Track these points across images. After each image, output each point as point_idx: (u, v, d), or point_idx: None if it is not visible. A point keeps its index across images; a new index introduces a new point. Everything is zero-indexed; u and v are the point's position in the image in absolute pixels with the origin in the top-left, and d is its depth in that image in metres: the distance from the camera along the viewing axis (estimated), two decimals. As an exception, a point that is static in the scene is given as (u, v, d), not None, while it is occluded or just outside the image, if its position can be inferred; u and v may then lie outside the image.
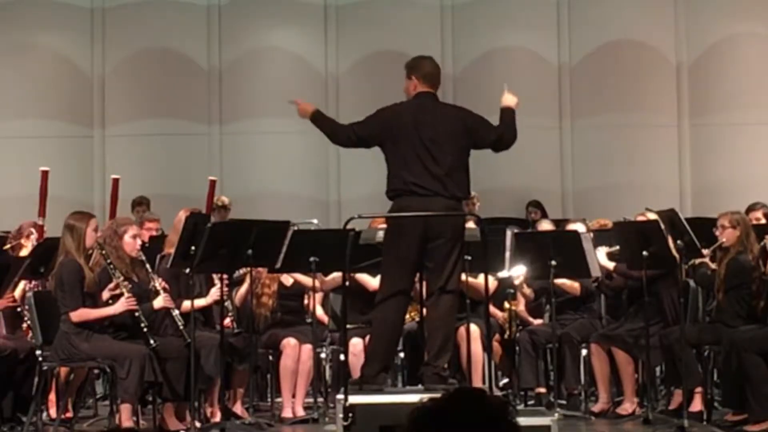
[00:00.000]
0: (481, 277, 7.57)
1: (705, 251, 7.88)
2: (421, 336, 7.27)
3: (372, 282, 8.50)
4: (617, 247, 8.23)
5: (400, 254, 6.61)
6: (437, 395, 2.63)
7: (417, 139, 6.60)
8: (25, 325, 7.95)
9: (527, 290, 8.81)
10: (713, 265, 7.93)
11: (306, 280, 8.37)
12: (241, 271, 8.33)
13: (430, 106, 6.74)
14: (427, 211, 6.50)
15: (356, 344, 8.32)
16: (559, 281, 8.32)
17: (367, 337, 8.25)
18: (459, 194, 6.65)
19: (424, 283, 6.91)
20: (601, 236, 8.64)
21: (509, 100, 6.89)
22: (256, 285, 8.28)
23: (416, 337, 7.75)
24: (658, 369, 8.62)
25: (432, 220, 6.54)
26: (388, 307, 6.65)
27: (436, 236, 6.58)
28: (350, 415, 6.13)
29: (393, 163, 6.67)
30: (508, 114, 6.85)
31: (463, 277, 7.91)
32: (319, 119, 6.87)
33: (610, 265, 8.39)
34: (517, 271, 8.41)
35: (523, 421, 5.53)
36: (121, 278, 7.44)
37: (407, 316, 8.53)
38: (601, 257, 8.31)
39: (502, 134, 6.80)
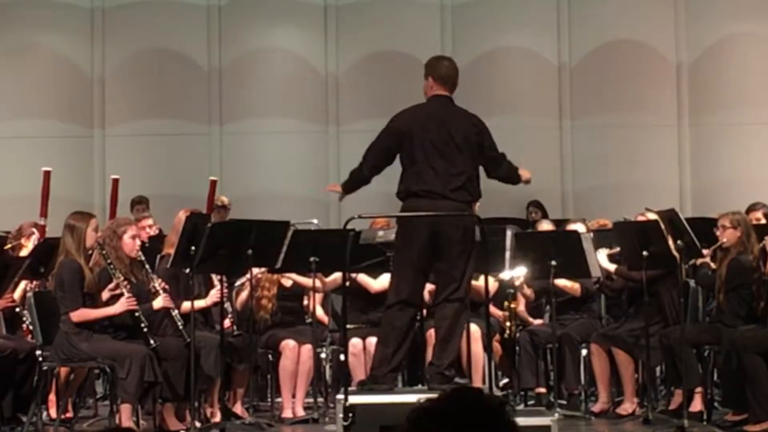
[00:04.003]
0: (482, 277, 7.57)
1: (705, 251, 7.88)
2: (420, 336, 7.27)
3: (372, 283, 8.50)
4: (618, 249, 8.23)
5: (409, 257, 6.61)
6: (436, 395, 2.63)
7: (428, 143, 6.60)
8: (25, 325, 7.95)
9: (527, 290, 8.81)
10: (714, 265, 7.93)
11: (305, 281, 8.36)
12: (241, 280, 8.35)
13: (442, 110, 6.73)
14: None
15: (356, 344, 8.32)
16: (559, 281, 8.31)
17: (368, 338, 8.26)
18: (468, 198, 6.66)
19: (434, 287, 6.90)
20: (601, 236, 8.64)
21: (526, 174, 7.01)
22: (255, 290, 8.27)
23: (416, 337, 7.74)
24: (658, 369, 8.61)
25: (440, 224, 6.54)
26: (393, 315, 6.67)
27: (445, 240, 6.58)
28: (350, 415, 6.13)
29: (404, 165, 6.70)
30: (518, 174, 6.97)
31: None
32: (347, 186, 6.94)
33: (612, 267, 8.39)
34: (518, 272, 8.40)
35: (523, 421, 5.53)
36: (121, 278, 7.44)
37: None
38: (602, 259, 8.31)
39: (502, 165, 6.87)
